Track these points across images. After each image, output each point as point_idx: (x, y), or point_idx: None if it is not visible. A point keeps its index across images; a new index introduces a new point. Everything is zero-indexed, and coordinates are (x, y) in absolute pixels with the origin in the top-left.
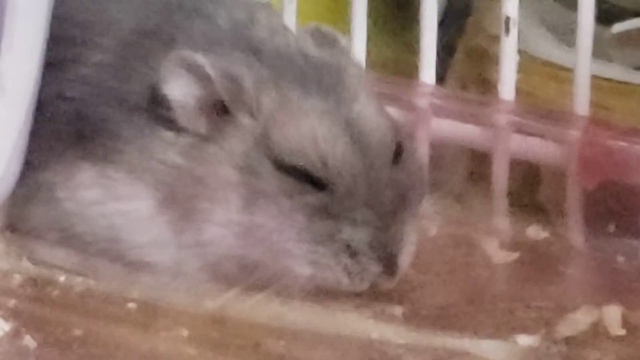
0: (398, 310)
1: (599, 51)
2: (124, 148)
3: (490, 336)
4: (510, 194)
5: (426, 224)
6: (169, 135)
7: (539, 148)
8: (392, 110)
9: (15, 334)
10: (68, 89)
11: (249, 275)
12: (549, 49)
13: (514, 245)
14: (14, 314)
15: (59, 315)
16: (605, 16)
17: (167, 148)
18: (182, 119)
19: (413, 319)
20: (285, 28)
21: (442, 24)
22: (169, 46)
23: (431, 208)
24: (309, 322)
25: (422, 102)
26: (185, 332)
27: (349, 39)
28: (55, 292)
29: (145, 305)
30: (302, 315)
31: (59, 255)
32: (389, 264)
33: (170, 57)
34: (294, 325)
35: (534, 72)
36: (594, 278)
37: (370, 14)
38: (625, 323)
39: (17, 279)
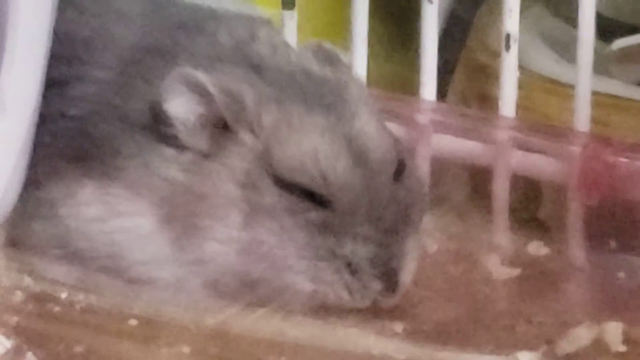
0: (399, 326)
1: (600, 67)
2: (125, 165)
3: (491, 352)
4: (511, 210)
5: (427, 241)
6: (170, 152)
7: (539, 164)
8: (393, 127)
9: (17, 351)
10: (70, 106)
11: (250, 292)
12: (549, 65)
13: (515, 261)
14: (15, 331)
15: (61, 331)
16: (606, 32)
17: (169, 165)
18: (183, 136)
19: (414, 335)
20: (287, 45)
21: (443, 40)
22: (171, 63)
23: (432, 224)
24: (310, 338)
25: (423, 118)
26: (186, 349)
27: (349, 56)
28: (57, 309)
29: (146, 322)
30: (303, 332)
31: (61, 271)
32: (390, 281)
33: (172, 74)
34: (296, 342)
35: (535, 88)
36: (595, 294)
37: (371, 31)
38: (626, 339)
39: (18, 295)
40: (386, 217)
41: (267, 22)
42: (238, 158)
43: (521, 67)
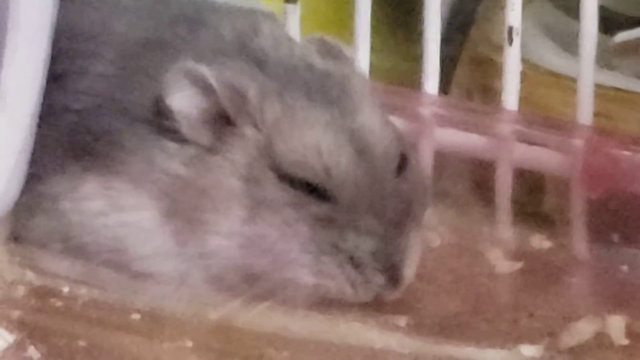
0: (402, 320)
1: (602, 60)
2: (127, 159)
3: (494, 346)
4: (514, 203)
5: (430, 234)
6: (172, 146)
7: (542, 157)
8: (396, 120)
9: (20, 345)
10: (72, 101)
11: (253, 286)
12: (552, 58)
13: (517, 254)
14: (18, 325)
15: (63, 326)
16: (609, 25)
17: (171, 159)
18: (185, 130)
19: (417, 329)
20: (289, 38)
21: (446, 33)
22: (173, 57)
23: (435, 218)
24: (313, 332)
25: (426, 111)
26: (189, 343)
27: (352, 49)
28: (59, 303)
29: (149, 316)
30: (306, 326)
31: (63, 266)
32: (393, 275)
33: (174, 68)
34: (298, 336)
35: (538, 81)
36: (597, 288)
37: (373, 24)
38: (629, 333)
39: (21, 290)
40: (389, 211)
41: (270, 16)
42: (240, 152)
43: (524, 60)
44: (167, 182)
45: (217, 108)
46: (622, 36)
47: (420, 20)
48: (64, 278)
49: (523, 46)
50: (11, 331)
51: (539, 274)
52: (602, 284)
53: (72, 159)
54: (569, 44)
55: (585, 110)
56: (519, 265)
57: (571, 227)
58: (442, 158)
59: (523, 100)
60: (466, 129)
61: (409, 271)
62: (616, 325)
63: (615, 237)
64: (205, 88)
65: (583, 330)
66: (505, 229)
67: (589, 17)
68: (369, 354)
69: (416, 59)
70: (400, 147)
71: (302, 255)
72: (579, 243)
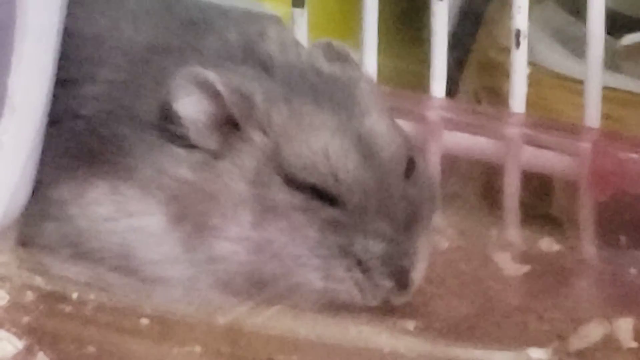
0: (411, 323)
1: (610, 62)
2: (135, 164)
3: (503, 349)
4: (522, 206)
5: (438, 238)
6: (180, 151)
7: (550, 160)
8: (404, 124)
9: (29, 351)
10: (80, 106)
11: (262, 290)
12: (559, 61)
13: (526, 257)
14: (27, 331)
15: (72, 331)
16: (616, 27)
17: (179, 164)
18: (193, 135)
19: (425, 332)
20: (297, 43)
21: (453, 37)
22: (180, 62)
23: (443, 221)
24: (322, 336)
25: (434, 115)
26: (198, 348)
27: (360, 53)
28: (69, 309)
29: (158, 321)
30: (314, 330)
31: (72, 271)
32: (401, 279)
33: (181, 73)
34: (307, 340)
35: (545, 84)
36: (606, 290)
37: (381, 28)
38: (638, 335)
39: (30, 295)
40: (397, 215)
41: (277, 20)
42: (248, 157)
43: (531, 63)
44: (175, 187)
45: (224, 113)
46: (630, 38)
47: (427, 23)
48: (73, 283)
49: (530, 49)
50: (20, 337)
51: (547, 276)
52: (610, 287)
53: (80, 165)
54: (577, 46)
55: (592, 113)
56: (527, 268)
57: (579, 229)
58: (450, 161)
59: (530, 103)
60: (474, 132)
61: (418, 275)
62: (624, 328)
63: (624, 240)
64: (212, 93)
65: (591, 333)
66: (514, 232)
67: (596, 20)
68: (377, 357)
69: (424, 62)
70: (408, 151)
71: (311, 260)
72: (587, 246)
